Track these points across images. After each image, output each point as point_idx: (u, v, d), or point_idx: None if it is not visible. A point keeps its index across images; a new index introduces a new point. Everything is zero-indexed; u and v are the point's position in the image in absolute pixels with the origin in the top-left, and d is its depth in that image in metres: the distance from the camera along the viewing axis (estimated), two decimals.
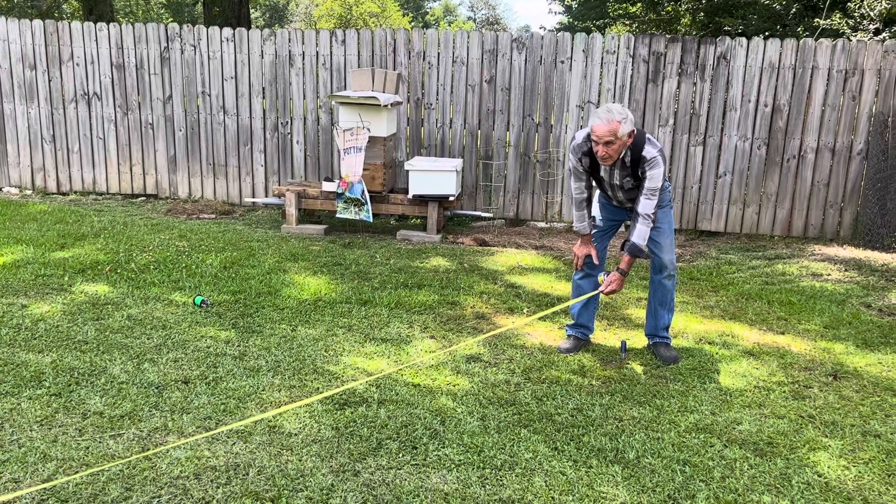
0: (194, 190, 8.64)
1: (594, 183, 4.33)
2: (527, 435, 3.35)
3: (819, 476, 3.12)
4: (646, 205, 4.00)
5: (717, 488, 3.00)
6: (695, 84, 7.53)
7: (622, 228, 5.11)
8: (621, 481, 3.02)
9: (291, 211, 7.30)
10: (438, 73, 7.91)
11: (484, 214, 7.73)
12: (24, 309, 4.61)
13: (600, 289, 4.17)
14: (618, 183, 4.14)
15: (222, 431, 3.16)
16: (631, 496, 2.92)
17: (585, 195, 4.28)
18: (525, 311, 5.07)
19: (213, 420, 3.33)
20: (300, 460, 3.04)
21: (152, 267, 5.60)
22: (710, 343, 4.58)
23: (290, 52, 8.12)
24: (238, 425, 3.21)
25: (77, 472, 2.82)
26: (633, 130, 3.91)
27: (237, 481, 2.85)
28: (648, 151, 3.94)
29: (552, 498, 2.87)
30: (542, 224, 8.02)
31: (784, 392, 3.92)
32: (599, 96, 7.72)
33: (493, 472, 3.04)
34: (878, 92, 7.13)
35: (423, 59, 7.93)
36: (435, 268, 6.05)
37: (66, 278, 5.24)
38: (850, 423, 3.60)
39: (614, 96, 7.69)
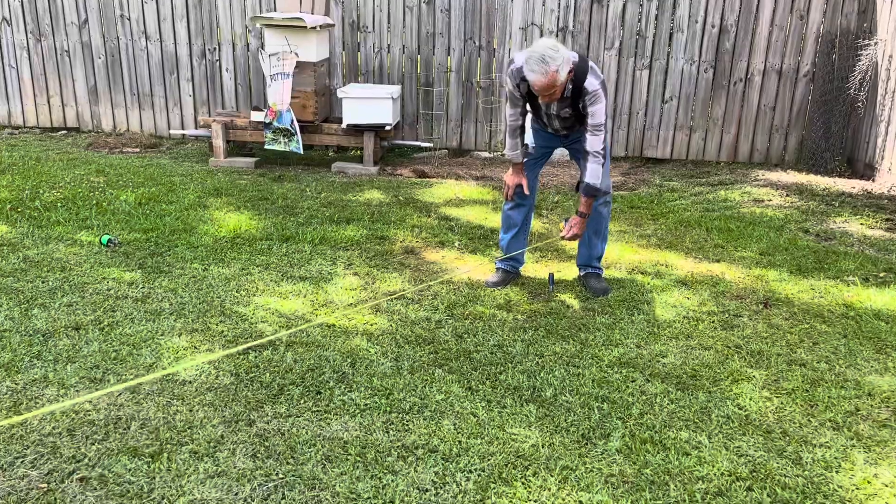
0: (119, 122, 8.14)
1: (529, 108, 4.05)
2: (441, 375, 3.18)
3: (740, 409, 3.01)
4: (593, 141, 3.75)
5: (634, 425, 2.86)
6: (641, 5, 7.21)
7: (557, 157, 4.87)
8: (535, 421, 2.87)
9: (218, 143, 6.91)
10: None
11: (424, 145, 7.42)
12: None
13: (561, 234, 3.96)
14: (554, 113, 3.87)
15: (105, 383, 2.92)
16: (543, 436, 2.77)
17: (520, 122, 4.01)
18: (456, 244, 4.85)
19: (101, 369, 3.09)
20: (191, 411, 2.82)
21: (59, 205, 5.23)
22: (642, 273, 4.43)
23: None
24: (121, 387, 2.97)
25: None
26: (572, 66, 3.60)
27: (115, 436, 2.63)
28: (590, 83, 3.65)
29: (459, 442, 2.71)
30: (486, 154, 7.75)
31: (713, 322, 3.80)
32: (543, 18, 7.36)
33: (400, 416, 2.86)
34: (826, 11, 6.90)
35: None
36: (368, 201, 5.78)
37: None
38: (776, 352, 3.49)
39: (558, 19, 7.34)
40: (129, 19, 7.79)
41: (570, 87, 3.67)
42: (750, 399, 3.09)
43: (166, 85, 7.96)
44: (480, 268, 4.48)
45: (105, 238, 4.53)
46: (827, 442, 2.81)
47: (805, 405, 3.06)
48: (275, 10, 7.50)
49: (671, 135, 7.56)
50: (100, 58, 7.96)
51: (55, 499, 2.31)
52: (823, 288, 4.24)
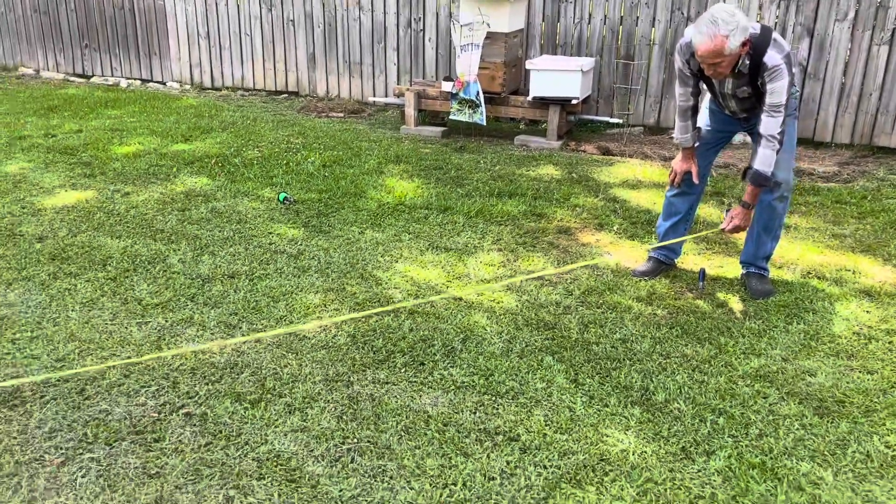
0: (331, 88, 8.72)
1: (704, 86, 3.72)
2: (550, 363, 3.07)
3: (887, 447, 2.58)
4: (769, 124, 3.35)
5: (747, 447, 2.57)
6: None
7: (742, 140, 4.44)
8: (634, 425, 2.68)
9: (410, 112, 7.15)
10: None
11: (613, 120, 7.11)
12: (125, 196, 4.91)
13: (721, 226, 3.66)
14: (729, 92, 3.52)
15: (237, 329, 3.19)
16: (637, 443, 2.58)
17: (691, 103, 3.69)
18: (615, 227, 4.63)
19: (238, 317, 3.38)
20: (300, 365, 2.99)
21: (255, 162, 5.74)
22: (819, 278, 3.92)
23: None
24: (241, 339, 3.22)
25: (89, 356, 2.97)
26: (749, 38, 3.23)
27: (227, 380, 2.87)
28: (771, 58, 3.25)
29: (544, 434, 2.61)
30: None
31: (891, 343, 3.27)
32: None
33: (493, 399, 2.81)
34: None
35: None
36: (538, 176, 5.68)
37: (175, 169, 5.51)
38: None
39: None
40: None
41: (748, 62, 3.30)
42: None
43: (374, 53, 8.37)
44: (634, 254, 4.24)
45: (282, 195, 4.91)
46: None
47: None
48: None
49: None
50: (319, 27, 8.54)
51: (160, 427, 2.58)
52: None
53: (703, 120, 3.83)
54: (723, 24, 3.09)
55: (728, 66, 3.25)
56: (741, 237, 4.06)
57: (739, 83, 3.41)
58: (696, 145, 3.80)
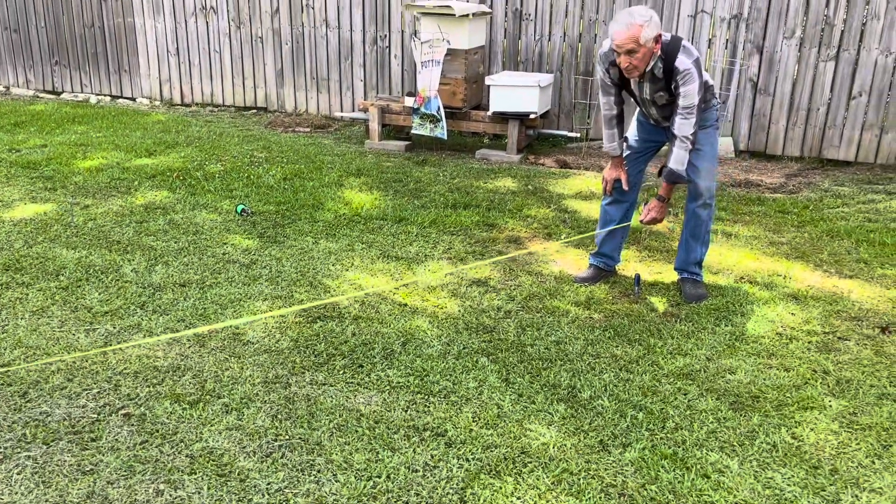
0: (299, 103, 8.86)
1: (632, 98, 3.92)
2: (484, 364, 3.20)
3: (793, 438, 2.73)
4: (681, 125, 3.56)
5: (662, 439, 2.71)
6: None
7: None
8: (557, 421, 2.81)
9: (374, 126, 7.30)
10: None
11: (571, 134, 7.30)
12: (84, 209, 5.00)
13: (640, 218, 3.85)
14: (648, 97, 3.72)
15: (184, 333, 3.29)
16: (558, 437, 2.71)
17: (615, 112, 3.90)
18: (563, 237, 4.78)
19: (185, 323, 3.47)
20: (241, 368, 3.10)
21: (217, 176, 5.85)
22: (752, 283, 4.09)
23: None
24: (189, 332, 3.32)
25: (35, 360, 3.07)
26: (661, 35, 3.46)
27: (168, 382, 2.97)
28: (682, 62, 3.48)
29: (469, 430, 2.73)
30: None
31: (809, 343, 3.44)
32: (715, 4, 6.92)
33: (425, 397, 2.93)
34: None
35: None
36: (495, 189, 5.83)
37: (136, 183, 5.61)
38: (870, 383, 3.09)
39: (731, 5, 6.86)
40: (312, 8, 8.43)
41: (661, 66, 3.51)
42: (811, 430, 2.78)
43: (341, 69, 8.53)
44: (578, 262, 4.39)
45: (240, 207, 5.02)
46: (881, 487, 2.47)
47: (876, 445, 2.70)
48: None
49: (857, 135, 6.80)
50: (286, 44, 8.70)
51: (98, 427, 2.68)
52: None
53: (632, 132, 4.03)
54: (639, 16, 3.35)
55: (642, 62, 3.45)
56: (675, 242, 4.23)
57: (656, 88, 3.61)
58: (624, 154, 3.99)
